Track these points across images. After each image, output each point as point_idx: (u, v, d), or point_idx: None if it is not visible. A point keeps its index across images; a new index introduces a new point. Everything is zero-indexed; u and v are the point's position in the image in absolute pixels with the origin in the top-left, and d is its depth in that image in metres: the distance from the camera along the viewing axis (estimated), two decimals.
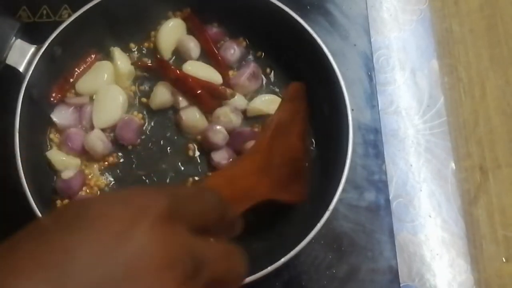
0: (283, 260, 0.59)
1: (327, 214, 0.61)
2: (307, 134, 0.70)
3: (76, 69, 0.71)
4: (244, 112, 0.72)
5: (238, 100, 0.72)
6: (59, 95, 0.70)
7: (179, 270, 0.28)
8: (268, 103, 0.72)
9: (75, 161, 0.69)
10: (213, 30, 0.75)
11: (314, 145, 0.72)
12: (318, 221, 0.60)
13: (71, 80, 0.71)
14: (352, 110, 0.66)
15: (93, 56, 0.72)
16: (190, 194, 0.34)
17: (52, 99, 0.69)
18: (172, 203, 0.31)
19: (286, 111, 0.66)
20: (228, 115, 0.70)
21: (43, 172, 0.67)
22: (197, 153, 0.71)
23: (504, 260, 0.73)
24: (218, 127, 0.69)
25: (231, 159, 0.69)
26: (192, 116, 0.71)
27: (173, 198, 0.31)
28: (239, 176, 0.55)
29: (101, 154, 0.69)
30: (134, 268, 0.27)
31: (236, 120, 0.70)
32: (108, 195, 0.44)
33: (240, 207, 0.46)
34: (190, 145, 0.71)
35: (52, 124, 0.70)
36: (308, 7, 0.81)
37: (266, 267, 0.59)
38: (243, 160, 0.61)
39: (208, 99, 0.70)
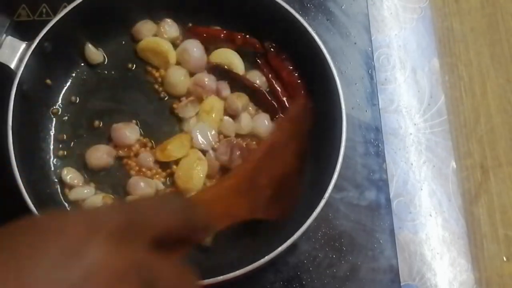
0: (279, 249, 0.59)
1: (322, 203, 0.61)
2: (306, 153, 0.66)
3: None
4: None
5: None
6: None
7: (130, 285, 0.29)
8: None
9: None
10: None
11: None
12: (313, 210, 0.60)
13: None
14: (352, 108, 0.66)
15: None
16: (151, 206, 0.35)
17: None
18: (128, 219, 0.31)
19: (284, 131, 0.64)
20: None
21: (37, 168, 0.67)
22: None
23: (505, 259, 0.72)
24: None
25: None
26: None
27: (129, 213, 0.32)
28: (219, 196, 0.53)
29: None
30: (84, 281, 0.28)
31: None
32: (66, 213, 0.46)
33: (218, 225, 0.46)
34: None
35: None
36: (309, 5, 0.81)
37: (263, 257, 0.59)
38: (225, 181, 0.59)
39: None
